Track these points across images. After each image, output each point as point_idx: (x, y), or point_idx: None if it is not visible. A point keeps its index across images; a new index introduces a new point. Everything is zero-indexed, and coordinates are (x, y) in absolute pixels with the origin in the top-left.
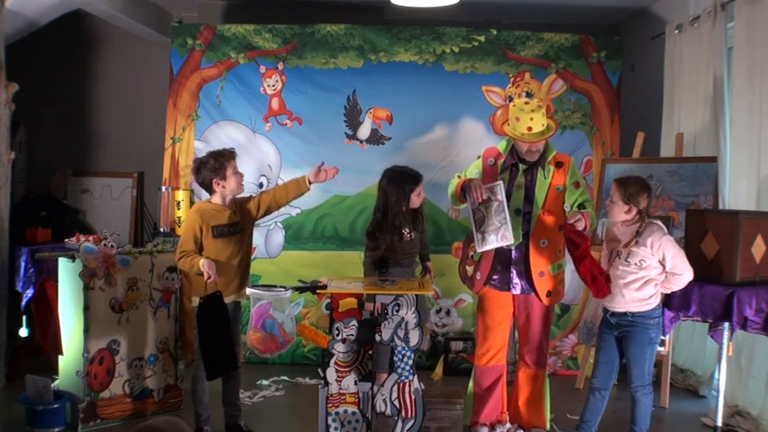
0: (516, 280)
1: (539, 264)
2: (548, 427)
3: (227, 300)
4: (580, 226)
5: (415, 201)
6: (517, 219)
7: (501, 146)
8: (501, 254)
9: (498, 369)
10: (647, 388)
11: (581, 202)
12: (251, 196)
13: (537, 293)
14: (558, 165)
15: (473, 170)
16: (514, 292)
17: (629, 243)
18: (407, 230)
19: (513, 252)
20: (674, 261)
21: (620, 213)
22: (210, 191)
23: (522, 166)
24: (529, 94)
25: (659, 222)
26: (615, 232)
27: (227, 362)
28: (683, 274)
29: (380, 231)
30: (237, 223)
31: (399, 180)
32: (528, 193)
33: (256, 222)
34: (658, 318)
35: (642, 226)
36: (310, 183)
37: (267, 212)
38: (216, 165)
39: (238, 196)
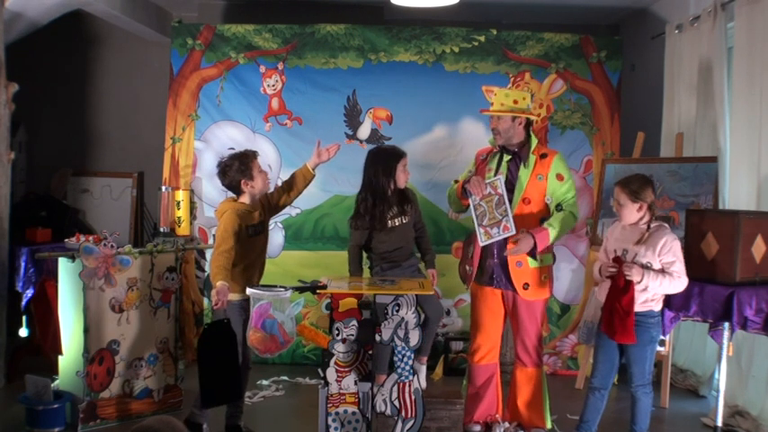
0: (497, 272)
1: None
2: (548, 425)
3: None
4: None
5: (401, 177)
6: None
7: (490, 140)
8: (485, 247)
9: (491, 368)
10: (647, 387)
11: (557, 203)
12: (265, 194)
13: (513, 285)
14: (543, 156)
15: (467, 170)
16: (497, 286)
17: (638, 244)
18: (395, 211)
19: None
20: (679, 266)
21: (632, 213)
22: (239, 192)
23: (506, 156)
24: None
25: (667, 225)
26: (620, 233)
27: (227, 392)
28: (682, 278)
29: (365, 207)
30: (264, 222)
31: (384, 156)
32: (510, 182)
33: None
34: (658, 317)
35: (651, 227)
36: (314, 167)
37: (282, 208)
38: (242, 166)
39: None
